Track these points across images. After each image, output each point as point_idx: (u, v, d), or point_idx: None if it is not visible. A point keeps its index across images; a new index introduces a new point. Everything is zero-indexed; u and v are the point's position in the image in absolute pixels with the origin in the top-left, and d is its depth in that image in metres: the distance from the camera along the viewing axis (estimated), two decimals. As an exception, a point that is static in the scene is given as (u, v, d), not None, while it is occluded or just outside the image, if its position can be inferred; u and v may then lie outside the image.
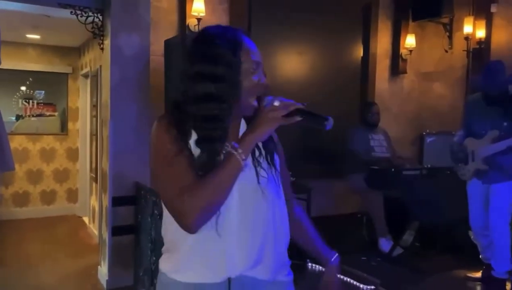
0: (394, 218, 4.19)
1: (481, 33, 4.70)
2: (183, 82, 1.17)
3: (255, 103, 1.18)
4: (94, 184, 5.48)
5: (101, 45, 3.78)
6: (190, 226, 1.10)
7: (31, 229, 5.67)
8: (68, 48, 6.31)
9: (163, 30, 3.94)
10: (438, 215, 3.94)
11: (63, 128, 6.45)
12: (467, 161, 3.52)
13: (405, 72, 5.37)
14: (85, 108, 6.21)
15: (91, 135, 5.77)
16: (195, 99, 1.13)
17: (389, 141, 4.67)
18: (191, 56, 1.18)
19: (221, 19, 4.17)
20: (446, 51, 5.18)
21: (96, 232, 5.06)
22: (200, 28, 3.78)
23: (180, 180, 1.10)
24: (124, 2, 3.52)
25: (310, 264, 3.78)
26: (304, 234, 1.43)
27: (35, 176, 6.27)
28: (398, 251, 4.08)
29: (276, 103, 1.14)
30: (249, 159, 1.17)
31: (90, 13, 3.63)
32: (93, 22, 3.67)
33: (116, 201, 3.56)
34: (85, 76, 6.10)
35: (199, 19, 3.92)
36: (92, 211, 5.62)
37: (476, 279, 3.59)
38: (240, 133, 1.21)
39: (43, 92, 6.37)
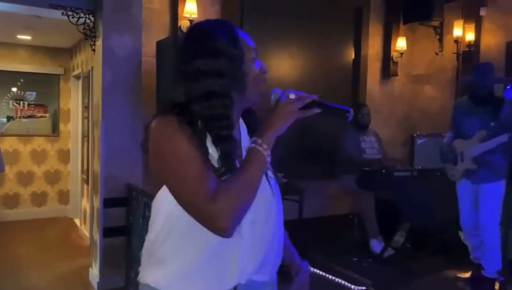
0: (385, 219, 4.22)
1: (470, 36, 4.76)
2: (183, 82, 1.11)
3: (261, 92, 1.16)
4: (85, 186, 5.46)
5: (93, 46, 3.77)
6: (225, 229, 1.02)
7: (22, 231, 5.63)
8: (59, 49, 6.27)
9: (155, 32, 3.94)
10: (429, 216, 3.97)
11: (55, 129, 6.41)
12: (456, 162, 3.58)
13: (396, 74, 5.41)
14: (77, 109, 6.19)
15: (83, 136, 5.75)
16: (200, 98, 1.08)
17: (381, 143, 4.70)
18: (188, 53, 1.12)
19: (213, 21, 4.17)
20: (437, 54, 5.24)
21: (87, 234, 5.03)
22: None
23: (208, 181, 1.02)
24: (116, 3, 3.52)
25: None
26: None
27: (25, 178, 6.22)
28: (389, 252, 4.11)
29: (292, 96, 1.12)
30: None
31: (82, 14, 3.62)
32: (84, 23, 3.66)
33: (108, 203, 3.55)
34: (77, 77, 6.08)
35: (191, 21, 3.92)
36: (84, 213, 5.60)
37: (466, 279, 3.63)
38: (241, 132, 1.20)
39: (35, 93, 6.33)
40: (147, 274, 1.15)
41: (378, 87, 5.40)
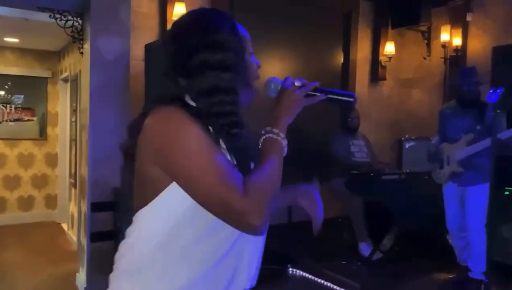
0: (374, 222, 4.24)
1: (457, 41, 4.82)
2: (184, 76, 1.02)
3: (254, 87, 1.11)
4: (73, 190, 5.40)
5: (81, 49, 3.74)
6: (259, 226, 0.94)
7: (8, 236, 5.54)
8: (47, 52, 6.22)
9: (144, 35, 3.92)
10: (417, 219, 4.00)
11: (42, 133, 6.35)
12: (443, 165, 3.63)
13: (384, 78, 5.46)
14: (65, 113, 6.14)
15: (71, 140, 5.70)
16: (206, 93, 0.99)
17: (370, 146, 4.73)
18: (191, 45, 1.01)
19: (203, 24, 4.17)
20: (425, 58, 5.29)
21: (75, 238, 4.98)
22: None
23: (235, 176, 0.94)
24: (104, 6, 3.50)
25: (290, 269, 3.79)
26: None
27: (12, 182, 6.14)
28: (378, 255, 4.12)
29: (297, 83, 1.09)
30: None
31: (70, 17, 3.60)
32: (72, 26, 3.64)
33: (95, 207, 3.52)
34: (65, 80, 6.03)
35: (180, 24, 3.91)
36: (72, 218, 5.54)
37: (453, 281, 3.65)
38: None
39: (22, 96, 6.26)
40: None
41: (367, 91, 5.44)
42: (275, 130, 1.03)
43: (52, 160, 6.35)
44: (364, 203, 4.25)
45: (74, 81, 5.22)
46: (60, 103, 6.29)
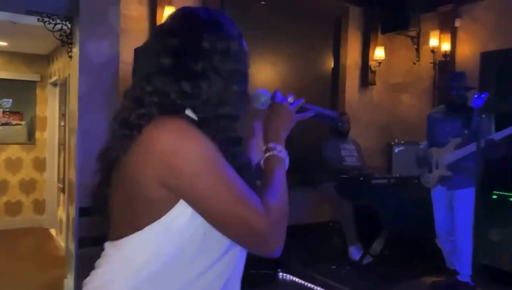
0: (364, 226, 4.25)
1: (446, 47, 4.86)
2: (187, 82, 0.90)
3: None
4: (62, 195, 5.35)
5: (70, 53, 3.72)
6: (278, 247, 0.89)
7: (-5, 242, 5.48)
8: (36, 55, 6.17)
9: (133, 39, 3.90)
10: (407, 223, 4.02)
11: (30, 137, 6.28)
12: (431, 169, 3.66)
13: (374, 83, 5.49)
14: (54, 117, 6.08)
15: (60, 144, 5.65)
16: (214, 102, 0.90)
17: (360, 151, 4.76)
18: (202, 48, 0.91)
19: (193, 28, 4.16)
20: (414, 63, 5.33)
21: (63, 244, 4.92)
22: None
23: (253, 196, 0.87)
24: (93, 10, 3.47)
25: (280, 273, 3.78)
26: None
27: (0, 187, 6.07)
28: (368, 259, 4.13)
29: (290, 100, 1.12)
30: None
31: (58, 21, 3.57)
32: (61, 29, 3.61)
33: (83, 212, 3.48)
34: (54, 84, 5.98)
35: (170, 28, 3.90)
36: (60, 223, 5.48)
37: (442, 285, 3.67)
38: None
39: (11, 100, 6.20)
40: None
41: (357, 95, 5.47)
42: (278, 147, 1.03)
43: (40, 164, 6.28)
44: (354, 207, 4.26)
45: (63, 85, 5.18)
46: (49, 107, 6.23)
